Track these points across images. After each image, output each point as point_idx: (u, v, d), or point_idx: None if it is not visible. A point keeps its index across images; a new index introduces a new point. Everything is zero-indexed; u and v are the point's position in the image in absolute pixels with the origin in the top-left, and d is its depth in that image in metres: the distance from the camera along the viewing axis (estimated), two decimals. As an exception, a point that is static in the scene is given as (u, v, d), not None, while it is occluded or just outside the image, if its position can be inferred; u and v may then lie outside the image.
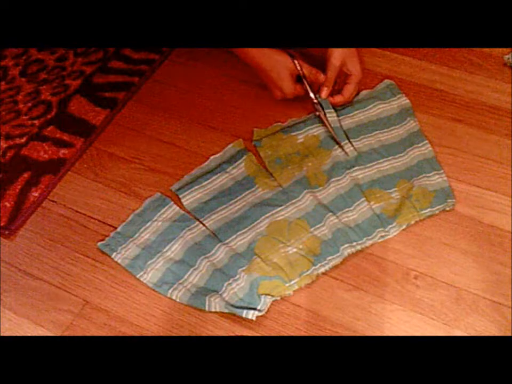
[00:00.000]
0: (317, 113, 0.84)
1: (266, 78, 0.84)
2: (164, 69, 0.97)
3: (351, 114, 0.85)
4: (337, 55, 0.82)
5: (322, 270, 0.70)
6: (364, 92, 0.89)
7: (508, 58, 0.91)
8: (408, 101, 0.86)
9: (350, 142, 0.82)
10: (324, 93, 0.84)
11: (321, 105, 0.84)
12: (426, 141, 0.81)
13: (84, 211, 0.79)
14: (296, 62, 0.83)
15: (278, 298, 0.68)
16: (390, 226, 0.73)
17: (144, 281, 0.71)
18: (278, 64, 0.81)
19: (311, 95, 0.84)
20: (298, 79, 0.84)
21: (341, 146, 0.81)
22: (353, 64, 0.83)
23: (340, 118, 0.85)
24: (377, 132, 0.83)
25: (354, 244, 0.71)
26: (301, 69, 0.83)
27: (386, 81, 0.90)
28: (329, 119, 0.83)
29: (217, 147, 0.84)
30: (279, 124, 0.86)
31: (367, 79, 0.91)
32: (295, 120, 0.86)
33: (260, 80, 0.86)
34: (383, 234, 0.72)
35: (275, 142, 0.83)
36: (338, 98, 0.85)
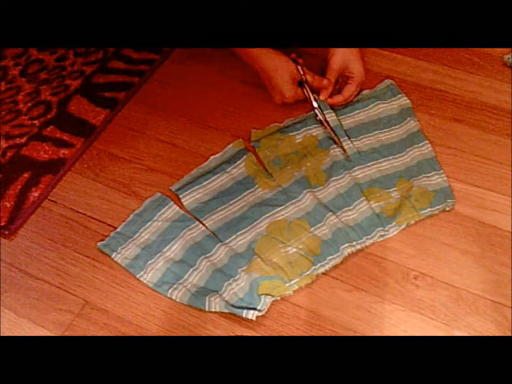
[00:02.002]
0: (318, 118, 0.84)
1: (268, 80, 0.84)
2: (164, 69, 0.97)
3: (352, 114, 0.86)
4: (336, 60, 0.82)
5: (322, 270, 0.70)
6: (364, 92, 0.89)
7: (508, 58, 0.90)
8: (408, 101, 0.86)
9: (350, 141, 0.82)
10: (323, 95, 0.84)
11: (321, 110, 0.84)
12: (427, 141, 0.81)
13: (84, 211, 0.79)
14: (299, 67, 0.83)
15: (278, 298, 0.68)
16: (390, 225, 0.73)
17: (144, 281, 0.71)
18: (280, 67, 0.81)
19: (313, 101, 0.84)
20: (300, 84, 0.84)
21: (341, 147, 0.80)
22: (356, 66, 0.83)
23: (340, 117, 0.85)
24: (378, 131, 0.83)
25: (354, 243, 0.71)
26: (304, 75, 0.83)
27: (387, 81, 0.90)
28: (328, 119, 0.83)
29: (217, 147, 0.84)
30: (276, 124, 0.86)
31: (366, 79, 0.91)
32: (292, 120, 0.86)
33: (260, 81, 0.86)
34: (382, 233, 0.72)
35: (273, 142, 0.83)
36: (338, 98, 0.85)
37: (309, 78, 0.84)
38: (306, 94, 0.84)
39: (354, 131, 0.83)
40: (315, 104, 0.84)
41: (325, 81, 0.84)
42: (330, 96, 0.85)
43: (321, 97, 0.84)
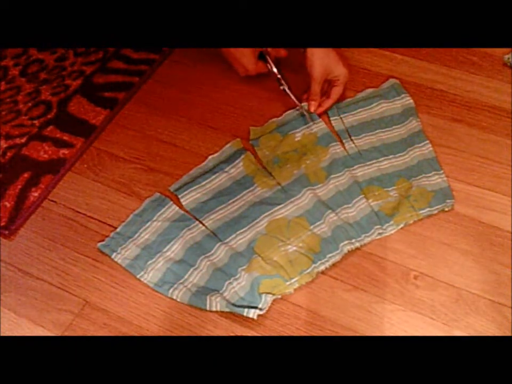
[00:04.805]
0: (281, 87, 0.85)
1: (229, 56, 0.85)
2: (164, 69, 0.97)
3: (355, 112, 0.86)
4: (316, 69, 0.81)
5: (322, 267, 0.70)
6: (368, 90, 0.89)
7: (508, 58, 0.91)
8: (412, 101, 0.87)
9: (352, 140, 0.82)
10: (312, 107, 0.84)
11: (288, 85, 0.86)
12: (427, 141, 0.81)
13: (84, 211, 0.79)
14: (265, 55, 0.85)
15: (279, 296, 0.68)
16: (387, 224, 0.73)
17: (145, 281, 0.71)
18: None
19: (275, 71, 0.85)
20: (261, 57, 0.86)
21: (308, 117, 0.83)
22: (338, 70, 0.82)
23: (343, 115, 0.85)
24: (379, 130, 0.83)
25: (353, 240, 0.71)
26: (268, 55, 0.85)
27: (391, 80, 0.90)
28: (317, 128, 0.84)
29: (217, 147, 0.84)
30: (275, 120, 0.86)
31: (366, 78, 0.92)
32: (290, 114, 0.86)
33: (222, 59, 0.87)
34: (380, 231, 0.72)
35: (273, 143, 0.83)
36: (327, 104, 0.85)
37: (268, 49, 0.86)
38: (269, 66, 0.86)
39: (357, 129, 0.84)
40: (276, 72, 0.85)
41: (283, 51, 0.87)
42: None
43: (312, 110, 0.85)
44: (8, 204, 0.80)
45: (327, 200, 0.76)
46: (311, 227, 0.73)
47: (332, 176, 0.78)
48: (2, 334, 0.68)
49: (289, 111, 0.87)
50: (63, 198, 0.81)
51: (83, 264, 0.74)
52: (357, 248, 0.72)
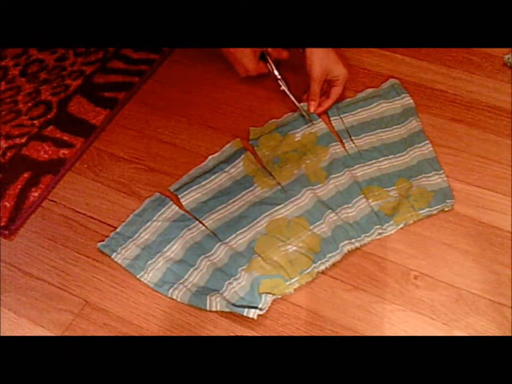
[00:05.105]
0: (281, 88, 0.85)
1: (230, 56, 0.85)
2: (164, 69, 0.97)
3: (354, 112, 0.86)
4: (315, 69, 0.81)
5: (323, 267, 0.70)
6: (368, 90, 0.89)
7: (508, 58, 0.91)
8: (412, 101, 0.87)
9: (352, 140, 0.82)
10: (312, 107, 0.85)
11: (287, 86, 0.86)
12: (428, 141, 0.81)
13: (84, 211, 0.79)
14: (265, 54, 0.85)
15: (279, 296, 0.68)
16: (387, 224, 0.73)
17: (145, 281, 0.71)
18: None
19: (275, 72, 0.85)
20: (262, 57, 0.86)
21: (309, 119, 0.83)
22: (338, 70, 0.83)
23: (343, 115, 0.85)
24: (379, 130, 0.83)
25: (353, 240, 0.71)
26: (268, 55, 0.86)
27: (392, 80, 0.90)
28: (318, 127, 0.84)
29: (217, 147, 0.84)
30: (274, 120, 0.86)
31: (366, 78, 0.92)
32: (290, 116, 0.87)
33: (223, 59, 0.87)
34: (380, 231, 0.72)
35: (273, 142, 0.83)
36: (327, 104, 0.86)
37: (269, 48, 0.86)
38: (269, 66, 0.86)
39: (357, 129, 0.84)
40: (276, 73, 0.85)
41: (285, 53, 0.87)
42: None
43: (311, 110, 0.85)
44: (8, 204, 0.80)
45: (327, 200, 0.76)
46: (311, 227, 0.73)
47: (332, 176, 0.78)
48: (2, 334, 0.68)
49: (289, 114, 0.87)
50: (63, 198, 0.81)
51: (83, 264, 0.74)
52: (357, 248, 0.72)
